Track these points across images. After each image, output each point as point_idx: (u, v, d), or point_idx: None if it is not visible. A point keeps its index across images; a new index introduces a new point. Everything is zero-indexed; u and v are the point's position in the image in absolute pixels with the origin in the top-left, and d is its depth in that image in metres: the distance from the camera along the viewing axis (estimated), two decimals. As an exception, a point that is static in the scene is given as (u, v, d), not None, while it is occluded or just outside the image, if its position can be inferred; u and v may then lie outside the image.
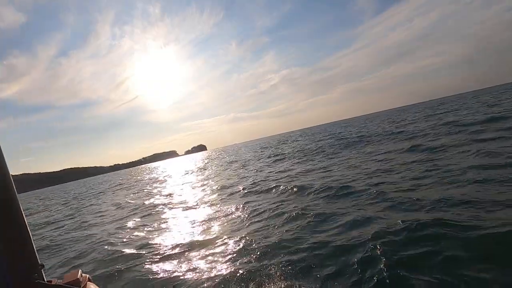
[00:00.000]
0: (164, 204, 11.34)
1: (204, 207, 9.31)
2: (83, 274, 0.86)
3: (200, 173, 22.52)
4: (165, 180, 23.47)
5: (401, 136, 15.31)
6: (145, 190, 18.40)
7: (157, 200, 13.20)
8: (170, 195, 13.82)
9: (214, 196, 11.08)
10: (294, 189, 8.63)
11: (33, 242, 0.79)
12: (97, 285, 0.90)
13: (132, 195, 17.54)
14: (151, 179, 27.46)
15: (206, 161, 35.17)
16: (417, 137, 13.56)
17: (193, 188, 14.67)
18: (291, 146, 27.33)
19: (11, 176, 0.79)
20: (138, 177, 31.12)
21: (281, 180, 10.96)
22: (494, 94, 39.19)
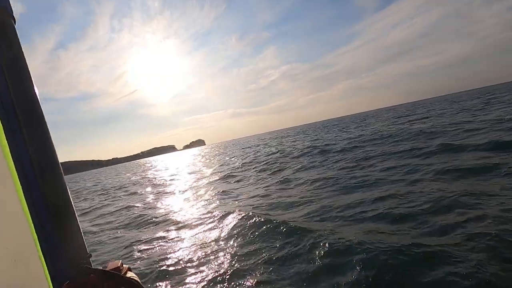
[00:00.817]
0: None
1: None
2: (124, 265, 0.93)
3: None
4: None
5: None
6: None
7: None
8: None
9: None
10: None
11: (82, 233, 0.87)
12: (134, 273, 0.96)
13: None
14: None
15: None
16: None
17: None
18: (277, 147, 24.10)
19: (62, 169, 0.87)
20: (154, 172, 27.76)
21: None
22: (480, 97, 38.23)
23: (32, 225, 0.77)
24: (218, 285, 3.62)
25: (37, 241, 0.78)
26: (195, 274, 4.03)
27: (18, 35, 0.83)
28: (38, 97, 0.84)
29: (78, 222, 0.87)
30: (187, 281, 3.88)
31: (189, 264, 4.37)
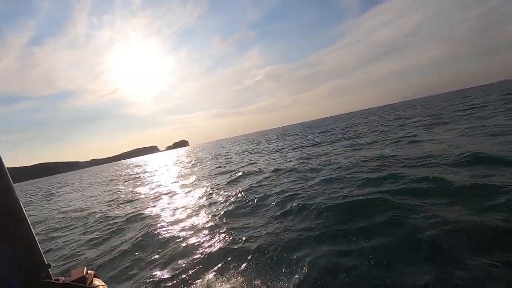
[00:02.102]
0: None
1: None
2: (89, 271, 0.90)
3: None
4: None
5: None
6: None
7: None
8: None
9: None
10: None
11: (38, 243, 0.81)
12: (102, 280, 0.92)
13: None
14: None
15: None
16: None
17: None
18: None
19: (11, 179, 0.80)
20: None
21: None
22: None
23: None
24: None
25: None
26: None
27: None
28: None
29: (32, 229, 0.80)
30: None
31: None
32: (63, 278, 0.84)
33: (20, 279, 0.75)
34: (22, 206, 0.80)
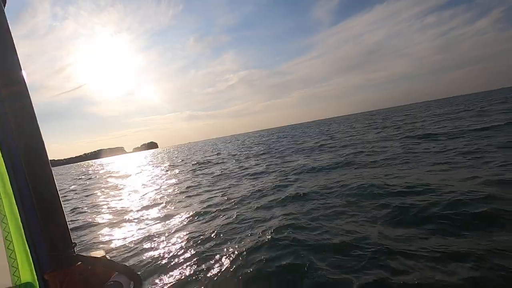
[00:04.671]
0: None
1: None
2: (106, 255, 0.93)
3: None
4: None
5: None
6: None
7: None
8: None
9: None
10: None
11: (67, 222, 0.86)
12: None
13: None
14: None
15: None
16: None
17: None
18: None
19: (48, 157, 0.83)
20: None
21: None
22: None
23: (17, 211, 0.79)
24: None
25: (21, 229, 0.79)
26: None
27: (7, 20, 0.78)
28: (28, 87, 0.81)
29: (64, 210, 0.85)
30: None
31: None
32: (83, 255, 0.86)
33: (53, 256, 0.79)
34: (56, 185, 0.83)
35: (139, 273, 1.02)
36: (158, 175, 15.77)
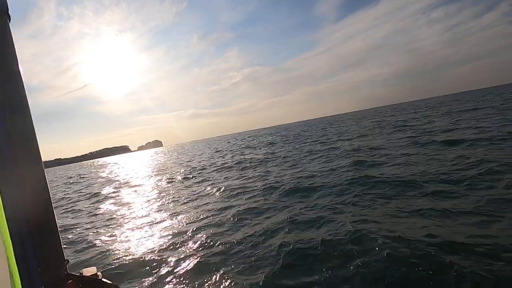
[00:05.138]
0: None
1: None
2: (98, 272, 0.94)
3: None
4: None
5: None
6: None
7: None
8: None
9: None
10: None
11: (60, 238, 0.87)
12: (109, 279, 0.98)
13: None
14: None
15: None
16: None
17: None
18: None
19: (44, 170, 0.85)
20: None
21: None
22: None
23: (6, 227, 0.74)
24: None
25: (10, 247, 0.74)
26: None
27: (11, 35, 0.83)
28: (28, 98, 0.84)
29: (57, 227, 0.85)
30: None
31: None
32: (75, 274, 0.88)
33: (43, 272, 0.80)
34: (52, 203, 0.85)
35: None
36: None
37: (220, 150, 28.17)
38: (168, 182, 12.51)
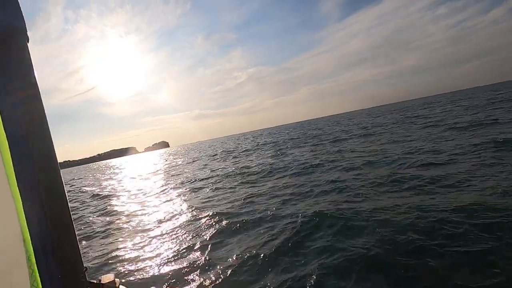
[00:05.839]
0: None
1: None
2: (116, 279, 0.96)
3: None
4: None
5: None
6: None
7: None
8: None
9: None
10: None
11: (79, 246, 0.88)
12: (126, 287, 0.99)
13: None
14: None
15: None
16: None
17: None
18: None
19: (64, 185, 0.87)
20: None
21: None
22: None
23: (29, 235, 0.79)
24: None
25: (31, 251, 0.80)
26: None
27: (30, 55, 0.85)
28: (45, 111, 0.87)
29: (76, 234, 0.88)
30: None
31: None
32: (93, 282, 0.90)
33: (63, 280, 0.82)
34: (71, 212, 0.86)
35: None
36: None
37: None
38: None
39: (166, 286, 3.76)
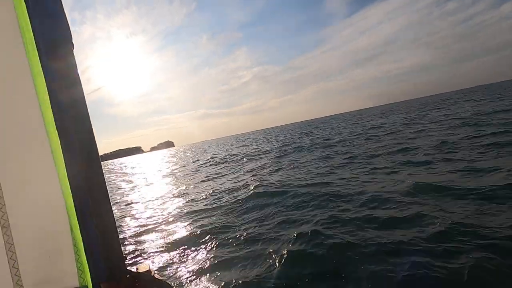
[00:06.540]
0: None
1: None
2: (151, 268, 1.01)
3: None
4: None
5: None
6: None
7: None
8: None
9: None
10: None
11: (119, 236, 0.96)
12: (160, 276, 1.05)
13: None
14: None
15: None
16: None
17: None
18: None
19: (105, 178, 0.95)
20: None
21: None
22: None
23: (77, 227, 0.88)
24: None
25: (80, 241, 0.88)
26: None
27: (75, 60, 0.99)
28: (88, 108, 0.97)
29: (116, 225, 0.97)
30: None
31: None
32: (132, 270, 0.96)
33: (105, 267, 0.90)
34: (112, 206, 0.94)
35: None
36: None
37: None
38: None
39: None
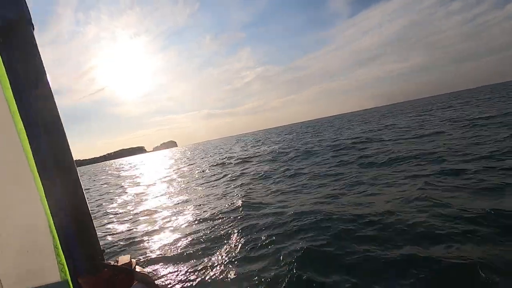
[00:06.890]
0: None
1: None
2: (132, 259, 1.04)
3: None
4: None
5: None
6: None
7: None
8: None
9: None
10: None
11: (96, 230, 0.97)
12: (142, 267, 1.07)
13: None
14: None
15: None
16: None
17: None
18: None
19: (80, 179, 0.96)
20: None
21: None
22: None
23: (52, 222, 0.90)
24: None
25: (56, 237, 0.91)
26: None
27: (37, 43, 0.87)
28: (56, 103, 0.92)
29: (93, 220, 0.97)
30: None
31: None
32: (112, 263, 0.99)
33: (84, 261, 0.93)
34: (88, 204, 0.96)
35: (157, 282, 1.10)
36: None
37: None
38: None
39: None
